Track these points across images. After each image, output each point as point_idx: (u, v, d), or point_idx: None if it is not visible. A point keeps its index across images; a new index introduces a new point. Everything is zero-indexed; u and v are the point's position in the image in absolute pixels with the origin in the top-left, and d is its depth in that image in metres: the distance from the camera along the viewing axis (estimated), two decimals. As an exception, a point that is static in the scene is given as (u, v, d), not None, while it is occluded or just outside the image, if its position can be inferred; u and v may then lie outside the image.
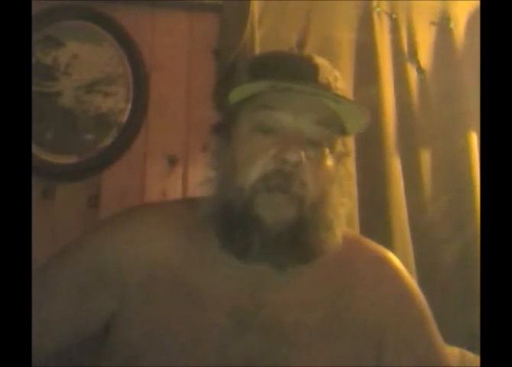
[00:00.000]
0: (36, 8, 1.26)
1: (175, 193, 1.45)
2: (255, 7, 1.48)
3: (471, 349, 1.25)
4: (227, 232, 0.80)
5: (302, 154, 0.77)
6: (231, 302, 0.81)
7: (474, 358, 1.22)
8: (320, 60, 0.85)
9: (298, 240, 0.78)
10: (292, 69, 0.81)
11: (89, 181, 1.45)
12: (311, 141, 0.79)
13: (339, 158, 0.85)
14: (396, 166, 1.49)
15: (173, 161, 1.47)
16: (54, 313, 0.84)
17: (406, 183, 1.49)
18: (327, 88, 0.81)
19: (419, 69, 1.58)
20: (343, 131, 0.85)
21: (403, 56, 1.57)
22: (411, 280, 0.91)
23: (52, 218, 1.41)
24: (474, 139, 1.54)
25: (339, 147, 0.84)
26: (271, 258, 0.79)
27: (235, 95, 0.83)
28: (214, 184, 0.83)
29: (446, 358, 0.87)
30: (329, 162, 0.82)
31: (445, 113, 1.56)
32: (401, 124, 1.53)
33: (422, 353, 0.84)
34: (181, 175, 1.47)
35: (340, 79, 0.86)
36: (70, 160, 1.45)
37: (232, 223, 0.79)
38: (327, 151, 0.81)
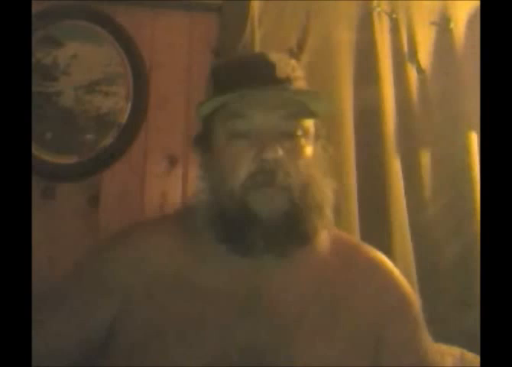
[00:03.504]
0: (36, 8, 1.26)
1: (175, 193, 1.45)
2: (255, 7, 1.48)
3: (470, 349, 1.25)
4: (228, 235, 0.85)
5: (279, 149, 0.82)
6: (232, 294, 0.85)
7: (474, 358, 1.22)
8: (274, 55, 0.89)
9: (294, 225, 0.84)
10: (250, 72, 0.86)
11: (89, 181, 1.45)
12: (285, 134, 0.85)
13: (315, 142, 0.90)
14: (396, 166, 1.49)
15: (173, 161, 1.47)
16: (61, 328, 0.86)
17: (406, 183, 1.49)
18: (286, 81, 0.86)
19: (419, 69, 1.58)
20: (313, 116, 0.89)
21: (403, 56, 1.57)
22: (405, 283, 0.94)
23: (52, 218, 1.41)
24: (474, 139, 1.54)
25: (313, 132, 0.89)
26: (273, 248, 0.84)
27: (205, 108, 0.88)
28: (206, 193, 0.88)
29: (437, 358, 0.91)
30: (307, 149, 0.87)
31: (445, 113, 1.56)
32: (401, 124, 1.53)
33: (416, 353, 0.88)
34: (181, 175, 1.47)
35: (298, 67, 0.91)
36: (70, 160, 1.44)
37: (232, 226, 0.84)
38: (303, 139, 0.86)
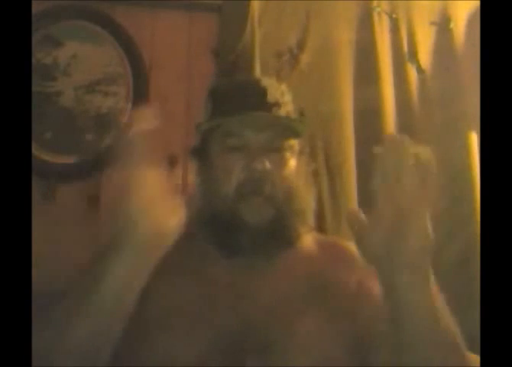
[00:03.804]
0: (36, 8, 1.26)
1: (175, 193, 1.45)
2: (255, 7, 1.48)
3: (470, 349, 1.24)
4: (219, 239, 0.96)
5: (267, 162, 0.93)
6: (228, 287, 0.94)
7: (474, 358, 1.22)
8: (267, 81, 1.02)
9: (279, 231, 0.95)
10: (244, 97, 0.98)
11: (89, 181, 1.45)
12: (272, 149, 0.96)
13: (299, 157, 1.01)
14: (396, 166, 1.49)
15: (173, 161, 1.47)
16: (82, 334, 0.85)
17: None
18: (275, 105, 0.98)
19: (419, 69, 1.58)
20: (297, 135, 1.00)
21: (403, 56, 1.57)
22: None
23: (52, 218, 1.41)
24: (474, 139, 1.54)
25: (297, 148, 1.00)
26: (260, 251, 0.95)
27: (203, 127, 1.01)
28: (201, 198, 0.98)
29: None
30: (291, 162, 0.98)
31: (445, 113, 1.56)
32: (401, 124, 1.53)
33: None
34: (181, 175, 1.47)
35: (286, 91, 1.02)
36: (70, 160, 1.45)
37: (222, 230, 0.95)
38: (287, 153, 0.98)
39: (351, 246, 1.05)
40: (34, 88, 1.42)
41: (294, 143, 1.00)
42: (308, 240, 1.02)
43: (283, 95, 1.01)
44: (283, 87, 1.03)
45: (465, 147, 1.54)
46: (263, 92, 0.98)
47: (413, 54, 1.58)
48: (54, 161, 1.44)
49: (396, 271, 0.76)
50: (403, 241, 0.77)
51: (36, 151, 1.41)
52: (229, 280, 0.95)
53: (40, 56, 1.46)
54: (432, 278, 0.83)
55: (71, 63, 1.47)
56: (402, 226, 0.76)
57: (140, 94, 1.48)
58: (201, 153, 1.02)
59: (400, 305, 0.77)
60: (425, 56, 1.59)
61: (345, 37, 1.53)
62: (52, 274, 1.26)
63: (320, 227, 1.39)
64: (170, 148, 1.47)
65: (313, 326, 0.93)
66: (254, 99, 0.98)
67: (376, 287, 0.94)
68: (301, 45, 1.50)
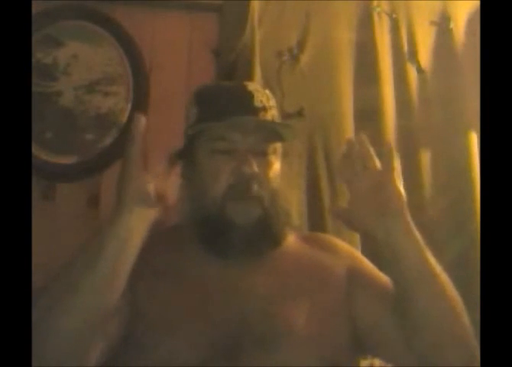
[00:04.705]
0: (36, 8, 1.26)
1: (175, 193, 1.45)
2: (255, 7, 1.48)
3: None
4: (209, 240, 0.99)
5: (255, 165, 0.96)
6: (220, 285, 0.97)
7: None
8: (253, 86, 1.05)
9: (265, 230, 0.99)
10: (232, 102, 1.00)
11: (89, 181, 1.45)
12: (258, 152, 0.99)
13: (282, 160, 1.04)
14: (396, 166, 1.49)
15: (173, 161, 1.47)
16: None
17: (406, 183, 1.49)
18: (262, 110, 1.01)
19: (419, 69, 1.58)
20: (281, 139, 1.03)
21: (403, 56, 1.57)
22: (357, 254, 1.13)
23: (52, 218, 1.41)
24: (474, 139, 1.54)
25: (280, 151, 1.04)
26: (248, 249, 0.98)
27: (191, 131, 1.02)
28: (188, 201, 1.01)
29: None
30: (276, 165, 1.02)
31: (445, 113, 1.57)
32: (401, 124, 1.53)
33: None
34: (181, 175, 1.47)
35: (271, 97, 1.05)
36: (70, 160, 1.44)
37: (212, 231, 0.98)
38: (272, 156, 1.01)
39: (335, 239, 1.14)
40: (34, 88, 1.41)
41: (278, 146, 1.03)
42: (293, 237, 1.07)
43: (268, 100, 1.03)
44: (268, 92, 1.06)
45: (465, 147, 1.54)
46: (250, 97, 1.01)
47: (413, 54, 1.58)
48: (54, 161, 1.44)
49: (386, 221, 0.93)
50: (385, 198, 0.95)
51: (36, 151, 1.41)
52: (222, 280, 0.98)
53: (40, 56, 1.46)
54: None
55: (71, 63, 1.47)
56: (380, 189, 0.94)
57: (140, 94, 1.48)
58: (187, 155, 1.04)
59: (394, 247, 0.91)
60: (425, 56, 1.59)
61: (345, 37, 1.53)
62: (52, 274, 1.26)
63: (320, 227, 1.40)
64: (170, 148, 1.47)
65: (308, 317, 0.96)
66: (242, 103, 1.00)
67: (367, 270, 1.04)
68: (301, 45, 1.50)
